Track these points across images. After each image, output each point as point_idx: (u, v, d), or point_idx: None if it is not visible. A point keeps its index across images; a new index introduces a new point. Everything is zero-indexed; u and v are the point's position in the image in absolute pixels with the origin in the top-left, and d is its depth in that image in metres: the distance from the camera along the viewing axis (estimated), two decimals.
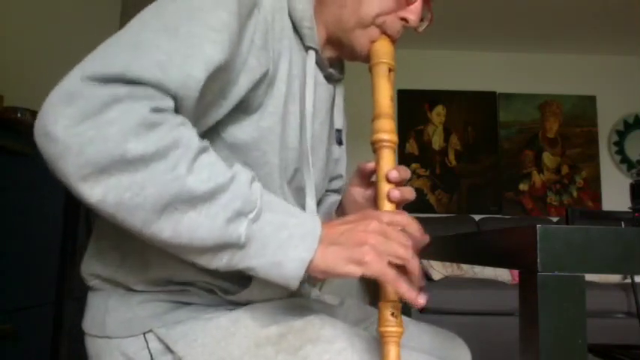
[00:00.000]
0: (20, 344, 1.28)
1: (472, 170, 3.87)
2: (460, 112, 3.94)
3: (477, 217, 3.57)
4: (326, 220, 0.85)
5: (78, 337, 0.71)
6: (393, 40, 0.74)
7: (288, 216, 0.54)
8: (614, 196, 3.79)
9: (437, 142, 3.91)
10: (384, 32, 0.73)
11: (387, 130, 0.68)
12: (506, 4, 3.27)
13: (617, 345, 1.57)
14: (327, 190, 0.89)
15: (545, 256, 0.44)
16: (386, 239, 0.54)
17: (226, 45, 0.54)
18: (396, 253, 0.54)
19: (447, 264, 2.85)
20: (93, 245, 0.70)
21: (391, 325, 0.57)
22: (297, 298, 0.76)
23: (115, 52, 0.49)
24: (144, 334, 0.64)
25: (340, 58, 0.81)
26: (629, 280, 2.60)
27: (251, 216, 0.51)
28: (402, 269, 0.55)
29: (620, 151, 3.87)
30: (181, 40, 0.51)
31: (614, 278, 2.80)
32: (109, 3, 2.56)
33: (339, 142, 0.83)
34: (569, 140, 3.90)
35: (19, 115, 1.35)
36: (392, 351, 0.56)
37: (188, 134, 0.50)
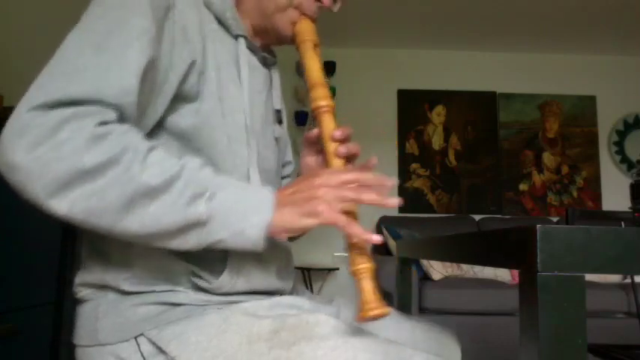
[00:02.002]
0: (20, 344, 1.28)
1: (472, 170, 3.87)
2: (460, 112, 3.94)
3: (477, 217, 3.57)
4: None
5: (73, 343, 0.71)
6: (313, 20, 0.80)
7: (241, 190, 0.60)
8: (614, 196, 3.80)
9: (437, 142, 3.91)
10: (302, 13, 0.78)
11: (323, 97, 0.73)
12: (507, 4, 3.27)
13: (617, 345, 1.57)
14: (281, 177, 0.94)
15: (545, 256, 0.44)
16: (333, 188, 0.61)
17: (148, 48, 0.59)
18: (345, 196, 0.60)
19: (447, 264, 2.85)
20: (80, 259, 0.72)
21: (361, 262, 0.62)
22: (289, 296, 0.76)
23: (51, 81, 0.54)
24: (135, 337, 0.65)
25: (269, 45, 0.86)
26: (629, 280, 2.60)
27: (207, 195, 0.57)
28: (352, 215, 0.62)
29: (620, 151, 3.87)
30: (108, 54, 0.56)
31: (614, 278, 2.80)
32: None
33: (280, 122, 0.87)
34: (569, 140, 3.90)
35: None
36: (366, 285, 0.61)
37: (135, 139, 0.56)
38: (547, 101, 3.94)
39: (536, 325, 0.44)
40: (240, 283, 0.69)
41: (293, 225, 0.61)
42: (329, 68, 3.75)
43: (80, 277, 0.70)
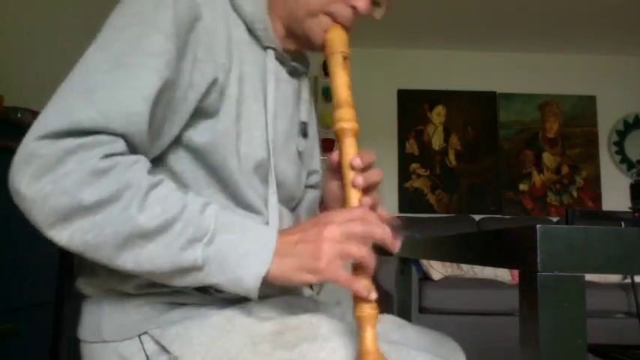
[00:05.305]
0: (20, 344, 1.28)
1: (472, 170, 3.87)
2: (460, 112, 3.94)
3: (477, 217, 3.57)
4: (310, 216, 0.85)
5: (78, 338, 0.71)
6: (347, 28, 0.74)
7: (243, 232, 0.57)
8: (614, 196, 3.80)
9: (437, 142, 3.91)
10: (335, 20, 0.72)
11: (347, 119, 0.68)
12: (507, 4, 3.27)
13: (617, 345, 1.57)
14: (305, 186, 0.90)
15: (545, 256, 0.44)
16: (339, 243, 0.57)
17: (165, 68, 0.57)
18: (350, 253, 0.57)
19: (447, 264, 2.85)
20: (83, 258, 0.72)
21: (366, 309, 0.59)
22: (293, 296, 0.76)
23: (63, 104, 0.53)
24: (139, 336, 0.65)
25: (302, 50, 0.81)
26: (629, 280, 2.60)
27: (205, 240, 0.55)
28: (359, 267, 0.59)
29: (620, 151, 3.87)
30: (121, 74, 0.55)
31: (614, 278, 2.80)
32: (109, 3, 2.56)
33: (304, 135, 0.83)
34: (569, 140, 3.90)
35: (19, 115, 1.35)
36: (369, 334, 0.58)
37: (139, 174, 0.55)
38: (547, 101, 3.94)
39: (536, 325, 0.44)
40: None
41: (291, 279, 0.58)
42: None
43: (85, 279, 0.70)
